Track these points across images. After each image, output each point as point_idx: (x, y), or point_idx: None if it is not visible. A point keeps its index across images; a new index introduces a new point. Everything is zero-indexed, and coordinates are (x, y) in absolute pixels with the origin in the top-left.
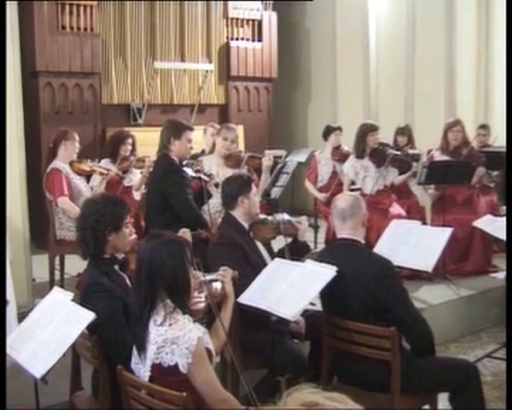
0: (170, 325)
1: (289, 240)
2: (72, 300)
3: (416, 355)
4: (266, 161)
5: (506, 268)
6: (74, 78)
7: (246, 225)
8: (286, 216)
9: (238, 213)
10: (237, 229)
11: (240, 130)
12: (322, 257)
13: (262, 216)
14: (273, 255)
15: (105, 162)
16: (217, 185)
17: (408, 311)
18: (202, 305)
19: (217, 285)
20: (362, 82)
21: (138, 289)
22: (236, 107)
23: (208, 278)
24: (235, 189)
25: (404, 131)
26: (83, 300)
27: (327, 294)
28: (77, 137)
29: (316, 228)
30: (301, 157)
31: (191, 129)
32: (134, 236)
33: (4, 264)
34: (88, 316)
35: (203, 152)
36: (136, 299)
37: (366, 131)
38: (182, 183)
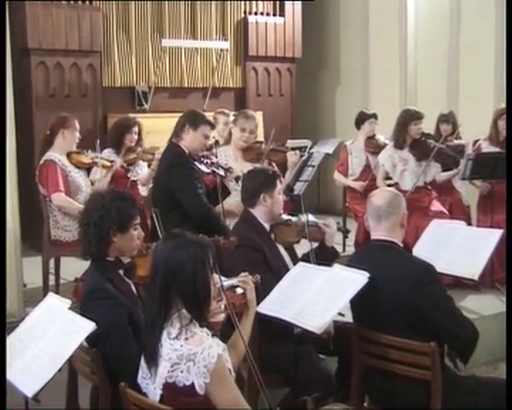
0: (186, 339)
1: (315, 245)
2: (70, 308)
3: (458, 373)
4: (292, 157)
5: (506, 272)
6: (71, 56)
7: (266, 226)
8: (311, 218)
9: (259, 212)
10: (256, 229)
11: (259, 117)
12: (353, 261)
13: (285, 216)
14: (296, 261)
15: (107, 153)
16: (237, 179)
17: (455, 320)
18: (222, 317)
19: (237, 292)
20: (398, 62)
21: (152, 296)
22: (255, 91)
23: (227, 283)
24: (257, 184)
25: (449, 119)
26: (83, 307)
27: (358, 303)
28: (77, 126)
29: (345, 232)
30: (328, 148)
31: (212, 126)
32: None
33: (4, 264)
34: (88, 326)
35: (217, 143)
36: (149, 306)
37: (408, 118)
38: (190, 176)
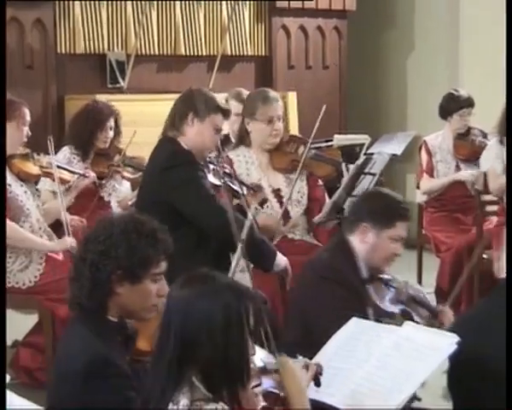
0: None
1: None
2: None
3: None
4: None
5: (506, 271)
6: (10, 7)
7: (363, 270)
8: (419, 291)
9: (354, 241)
10: (352, 266)
11: (291, 99)
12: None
13: (386, 277)
14: None
15: (67, 154)
16: (263, 203)
17: None
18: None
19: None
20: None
21: (157, 367)
22: (286, 61)
23: (268, 361)
24: (367, 210)
25: None
26: (78, 390)
27: (462, 382)
28: (27, 116)
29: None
30: (395, 147)
31: (226, 113)
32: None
33: (4, 264)
34: None
35: (227, 140)
36: (155, 385)
37: None
38: (196, 177)
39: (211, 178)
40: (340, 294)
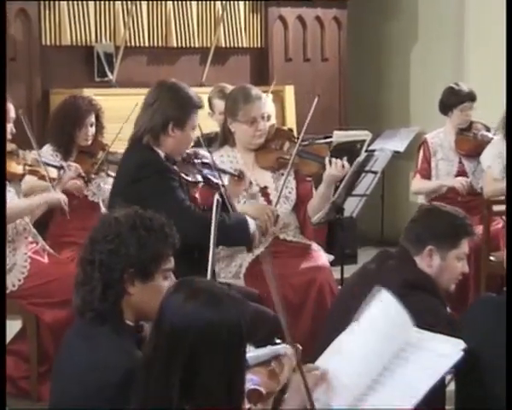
0: None
1: None
2: None
3: None
4: (333, 170)
5: (506, 271)
6: None
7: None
8: None
9: (423, 267)
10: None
11: (289, 93)
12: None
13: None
14: None
15: (50, 151)
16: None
17: None
18: None
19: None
20: None
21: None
22: (283, 53)
23: (254, 354)
24: (430, 232)
25: None
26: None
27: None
28: (12, 112)
29: None
30: (398, 144)
31: (200, 106)
32: None
33: (4, 266)
34: None
35: (216, 139)
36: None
37: None
38: (166, 189)
39: (187, 175)
40: (431, 304)
